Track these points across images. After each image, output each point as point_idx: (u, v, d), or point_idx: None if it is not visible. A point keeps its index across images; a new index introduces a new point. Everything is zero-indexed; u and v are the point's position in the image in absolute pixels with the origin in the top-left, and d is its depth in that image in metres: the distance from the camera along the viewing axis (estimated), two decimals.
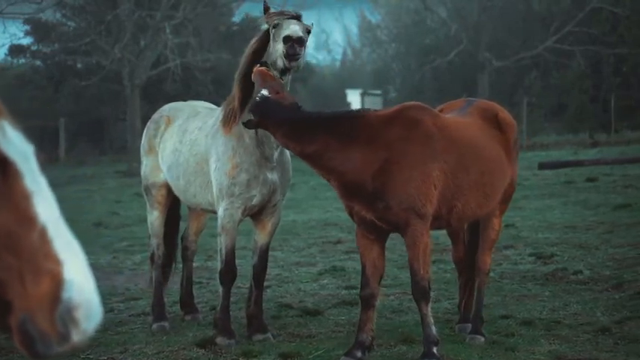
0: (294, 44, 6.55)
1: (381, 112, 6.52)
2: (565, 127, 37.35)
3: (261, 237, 7.31)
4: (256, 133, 6.87)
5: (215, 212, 7.33)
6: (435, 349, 6.31)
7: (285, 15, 6.77)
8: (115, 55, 29.08)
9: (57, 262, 2.06)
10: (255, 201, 7.01)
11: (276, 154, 7.02)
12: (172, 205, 8.14)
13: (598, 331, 6.99)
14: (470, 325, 7.10)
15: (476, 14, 43.21)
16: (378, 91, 49.51)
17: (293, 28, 6.60)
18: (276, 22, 6.73)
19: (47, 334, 2.03)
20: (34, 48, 37.05)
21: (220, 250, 7.15)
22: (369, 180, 6.18)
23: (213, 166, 7.11)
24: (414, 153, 6.25)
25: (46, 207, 2.13)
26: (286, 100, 6.29)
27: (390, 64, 53.96)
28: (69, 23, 36.09)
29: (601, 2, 39.27)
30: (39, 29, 35.24)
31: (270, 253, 11.61)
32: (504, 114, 7.13)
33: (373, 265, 6.50)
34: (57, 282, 2.04)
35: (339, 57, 60.94)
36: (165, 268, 8.26)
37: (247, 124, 6.38)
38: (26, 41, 36.30)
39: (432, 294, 8.61)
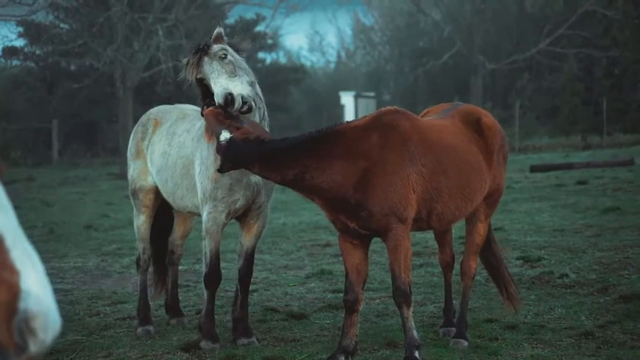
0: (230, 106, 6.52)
1: (355, 123, 6.49)
2: (557, 129, 37.43)
3: (246, 240, 7.31)
4: None
5: (199, 215, 7.35)
6: (416, 353, 6.32)
7: (195, 62, 6.74)
8: (107, 58, 29.06)
9: (13, 272, 2.04)
10: (238, 204, 7.02)
11: None
12: (164, 209, 8.13)
13: (581, 336, 7.00)
14: (454, 328, 7.12)
15: (469, 17, 43.27)
16: (372, 94, 49.54)
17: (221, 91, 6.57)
18: (198, 76, 6.76)
19: (4, 345, 2.02)
20: (27, 50, 37.01)
21: (205, 254, 7.15)
22: (351, 192, 6.19)
23: (197, 169, 7.12)
24: (392, 158, 6.26)
25: (2, 216, 2.10)
26: (251, 134, 6.17)
27: (383, 67, 54.03)
28: (62, 25, 36.06)
29: (594, 5, 39.37)
30: (32, 31, 35.20)
31: (258, 256, 11.74)
32: (488, 119, 7.12)
33: (356, 270, 6.51)
34: (13, 292, 2.03)
35: (332, 59, 61.06)
36: (159, 272, 8.26)
37: (221, 170, 6.36)
38: (19, 43, 36.29)
39: (418, 297, 8.71)
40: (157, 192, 7.81)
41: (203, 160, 7.05)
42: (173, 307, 8.19)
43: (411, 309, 6.42)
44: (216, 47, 6.78)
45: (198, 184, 7.10)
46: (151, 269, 8.23)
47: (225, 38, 6.95)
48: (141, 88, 33.06)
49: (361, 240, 6.49)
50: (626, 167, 21.30)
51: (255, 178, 6.98)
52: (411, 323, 6.40)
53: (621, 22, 38.68)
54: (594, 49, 39.74)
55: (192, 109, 7.90)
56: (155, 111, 8.07)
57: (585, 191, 17.22)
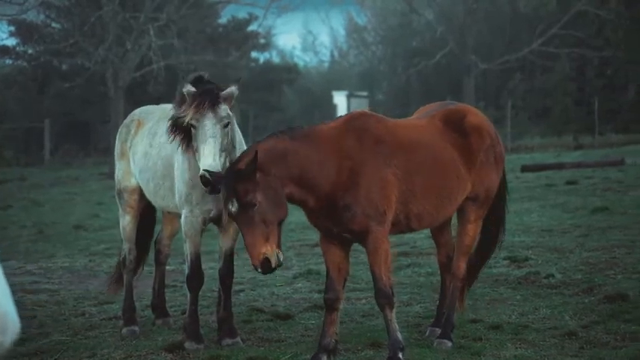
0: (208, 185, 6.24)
1: (330, 124, 6.50)
2: (549, 129, 37.49)
3: (224, 242, 7.32)
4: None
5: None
6: (400, 354, 6.34)
7: (200, 110, 6.43)
8: (98, 57, 29.02)
9: None
10: (212, 214, 7.02)
11: None
12: (147, 210, 8.14)
13: (565, 336, 7.02)
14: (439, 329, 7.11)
15: (462, 16, 43.28)
16: (365, 93, 49.53)
17: (205, 162, 6.27)
18: (192, 122, 6.46)
19: None
20: (19, 49, 36.95)
21: (186, 256, 7.17)
22: (342, 192, 6.22)
23: (175, 173, 7.13)
24: (369, 160, 6.31)
25: None
26: (246, 165, 5.94)
27: (376, 66, 54.02)
28: (53, 24, 36.01)
29: (586, 5, 39.43)
30: (24, 30, 35.14)
31: (246, 256, 11.65)
32: (475, 118, 7.02)
33: (337, 268, 6.53)
34: None
35: (325, 59, 61.02)
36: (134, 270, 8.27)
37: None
38: (11, 42, 36.23)
39: (404, 297, 8.72)
40: (141, 192, 7.82)
41: (179, 165, 7.06)
42: (159, 307, 8.18)
43: (394, 310, 6.44)
44: (223, 109, 6.51)
45: (176, 188, 7.12)
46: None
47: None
48: (132, 88, 33.01)
49: (343, 240, 6.50)
50: (617, 167, 21.35)
51: None
52: (395, 325, 6.42)
53: (614, 22, 38.76)
54: (587, 49, 39.79)
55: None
56: (138, 112, 8.07)
57: (575, 191, 17.24)
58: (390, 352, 6.37)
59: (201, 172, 6.23)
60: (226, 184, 5.96)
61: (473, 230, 7.09)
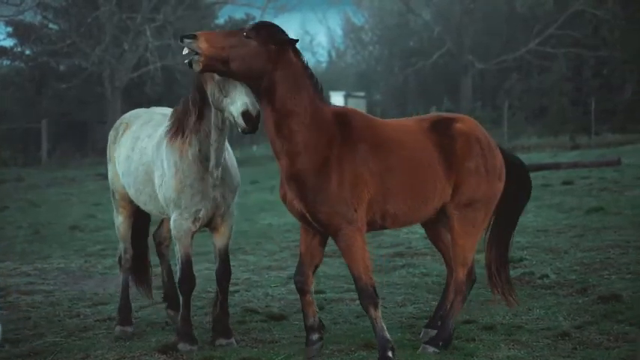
0: (253, 120, 6.39)
1: (327, 107, 6.57)
2: (546, 129, 37.47)
3: (218, 241, 7.32)
4: (199, 150, 6.90)
5: (167, 217, 7.43)
6: (389, 353, 6.35)
7: None
8: (95, 57, 29.02)
9: None
10: (201, 214, 7.03)
11: (218, 172, 7.00)
12: (140, 210, 8.13)
13: (558, 336, 7.04)
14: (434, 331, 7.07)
15: (459, 16, 43.33)
16: (362, 93, 49.57)
17: (245, 101, 6.44)
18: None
19: None
20: (16, 50, 36.95)
21: (177, 259, 7.17)
22: (312, 177, 6.32)
23: (158, 181, 7.13)
24: (346, 156, 6.38)
25: None
26: None
27: (373, 66, 54.05)
28: (51, 25, 36.01)
29: (583, 5, 39.47)
30: (21, 31, 35.14)
31: (242, 256, 11.76)
32: (465, 125, 6.89)
33: (310, 254, 6.67)
34: None
35: (323, 59, 61.06)
36: (138, 273, 8.25)
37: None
38: (8, 43, 36.23)
39: (398, 298, 8.73)
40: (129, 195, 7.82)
41: (165, 172, 7.06)
42: (173, 298, 8.04)
43: (379, 309, 6.45)
44: None
45: (160, 196, 7.13)
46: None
47: None
48: (130, 89, 32.99)
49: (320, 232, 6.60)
50: (613, 167, 21.35)
51: (215, 193, 7.03)
52: (381, 324, 6.43)
53: (610, 22, 38.79)
54: (583, 49, 39.84)
55: (161, 113, 7.85)
56: (128, 115, 8.10)
57: (571, 191, 17.25)
58: (380, 352, 6.38)
59: (242, 108, 6.35)
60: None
61: (462, 240, 6.84)
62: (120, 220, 8.01)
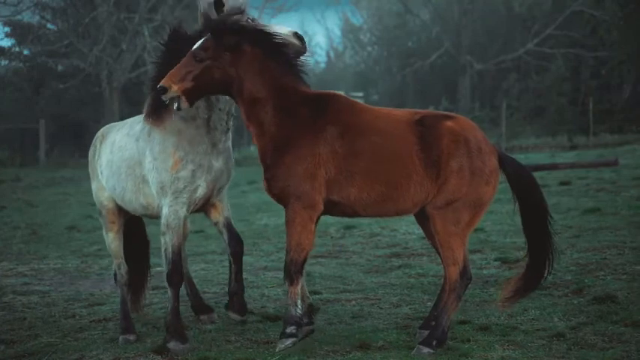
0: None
1: (307, 92, 6.80)
2: (544, 130, 37.50)
3: (218, 216, 7.41)
4: (208, 121, 7.05)
5: (150, 216, 7.50)
6: (290, 329, 6.64)
7: None
8: (92, 58, 29.02)
9: None
10: (199, 192, 7.10)
11: (223, 140, 7.20)
12: (135, 226, 8.14)
13: (553, 337, 7.04)
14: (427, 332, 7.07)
15: (457, 17, 43.34)
16: (360, 94, 49.57)
17: None
18: None
19: None
20: (14, 50, 36.93)
21: (166, 250, 7.11)
22: (271, 153, 6.68)
23: (149, 166, 7.16)
24: (308, 135, 6.63)
25: None
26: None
27: (372, 67, 54.07)
28: (49, 25, 36.01)
29: (581, 5, 39.49)
30: (19, 31, 35.13)
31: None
32: (456, 125, 6.79)
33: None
34: None
35: (321, 59, 61.07)
36: (134, 291, 8.21)
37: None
38: (6, 43, 36.22)
39: (394, 299, 8.72)
40: (118, 207, 7.81)
41: (156, 156, 7.10)
42: (197, 304, 8.12)
43: (297, 287, 6.68)
44: None
45: (153, 181, 7.13)
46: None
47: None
48: (127, 89, 32.99)
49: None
50: (611, 168, 21.34)
51: (218, 163, 7.18)
52: (294, 299, 6.68)
53: (608, 22, 38.81)
54: (581, 50, 39.86)
55: (132, 119, 7.90)
56: (101, 130, 8.16)
57: (568, 192, 17.26)
58: (283, 325, 6.72)
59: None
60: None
61: (447, 239, 6.77)
62: (110, 237, 7.93)
